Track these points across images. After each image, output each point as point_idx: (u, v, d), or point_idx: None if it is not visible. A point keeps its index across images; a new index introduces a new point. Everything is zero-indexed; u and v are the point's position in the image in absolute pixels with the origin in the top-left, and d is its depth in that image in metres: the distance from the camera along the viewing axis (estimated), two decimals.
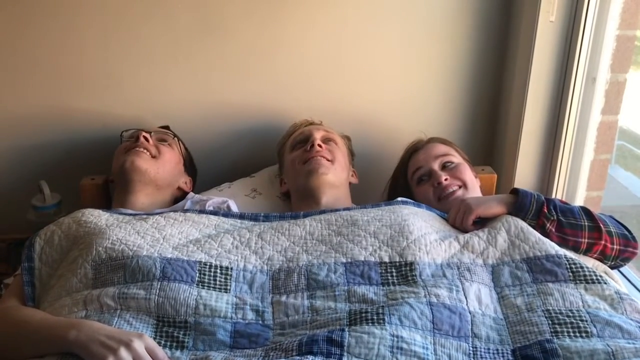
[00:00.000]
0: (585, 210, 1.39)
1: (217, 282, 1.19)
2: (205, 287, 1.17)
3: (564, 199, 1.77)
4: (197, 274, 1.19)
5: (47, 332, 1.06)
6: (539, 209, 1.35)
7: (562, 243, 1.33)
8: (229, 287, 1.19)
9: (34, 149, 1.79)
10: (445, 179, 1.56)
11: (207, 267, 1.21)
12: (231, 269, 1.23)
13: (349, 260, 1.24)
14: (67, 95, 1.76)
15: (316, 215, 1.40)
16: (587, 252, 1.37)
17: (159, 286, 1.14)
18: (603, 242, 1.35)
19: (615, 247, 1.37)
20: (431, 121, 1.92)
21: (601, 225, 1.36)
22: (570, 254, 1.26)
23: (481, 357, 1.05)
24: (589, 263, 1.32)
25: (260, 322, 1.14)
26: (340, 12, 1.79)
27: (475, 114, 1.96)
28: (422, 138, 1.71)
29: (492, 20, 1.84)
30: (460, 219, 1.39)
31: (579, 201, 1.82)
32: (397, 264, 1.24)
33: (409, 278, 1.20)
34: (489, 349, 1.07)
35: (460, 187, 1.56)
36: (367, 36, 1.82)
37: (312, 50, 1.82)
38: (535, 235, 1.30)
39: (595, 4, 1.61)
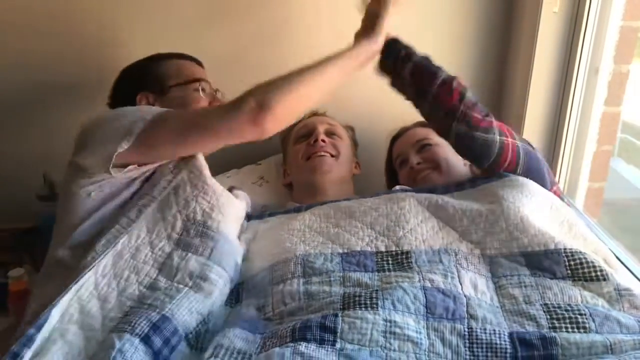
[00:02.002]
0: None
1: (233, 299, 1.21)
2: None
3: (565, 191, 1.78)
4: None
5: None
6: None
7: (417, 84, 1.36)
8: (240, 299, 1.21)
9: (39, 138, 1.80)
10: (418, 163, 1.55)
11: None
12: (243, 282, 1.25)
13: (346, 250, 1.25)
14: (71, 84, 1.76)
15: (315, 210, 1.39)
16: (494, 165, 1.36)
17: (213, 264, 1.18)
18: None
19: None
20: None
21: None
22: (570, 246, 1.22)
23: (477, 338, 1.03)
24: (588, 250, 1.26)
25: (262, 316, 1.14)
26: (344, 3, 1.79)
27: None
28: (406, 125, 1.70)
29: (495, 11, 1.84)
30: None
31: (581, 192, 1.82)
32: (394, 252, 1.23)
33: (405, 265, 1.20)
34: (485, 329, 1.05)
35: (432, 169, 1.54)
36: None
37: (317, 40, 1.82)
38: (535, 227, 1.25)
39: None
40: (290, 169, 1.67)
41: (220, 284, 1.15)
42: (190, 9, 1.74)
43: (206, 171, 1.28)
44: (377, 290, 1.10)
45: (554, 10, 1.66)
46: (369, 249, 1.25)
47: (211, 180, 1.28)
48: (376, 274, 1.19)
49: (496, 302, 1.13)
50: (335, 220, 1.33)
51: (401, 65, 1.37)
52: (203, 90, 1.44)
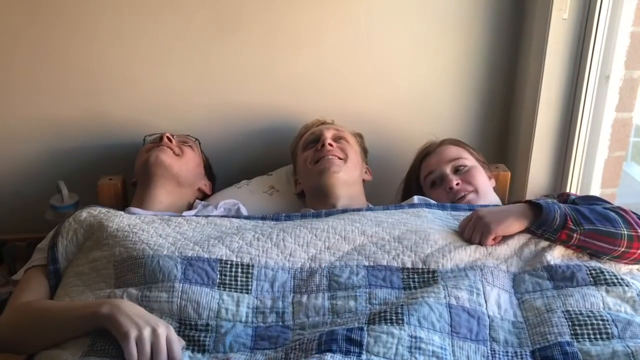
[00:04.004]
0: (620, 215, 1.30)
1: (239, 283, 1.20)
2: (227, 289, 1.18)
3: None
4: (218, 275, 1.19)
5: (77, 311, 1.11)
6: (563, 223, 1.25)
7: (592, 248, 1.26)
8: (250, 287, 1.20)
9: (52, 150, 1.82)
10: (457, 184, 1.56)
11: (228, 266, 1.21)
12: (252, 266, 1.23)
13: (372, 263, 1.24)
14: (85, 97, 1.78)
15: (339, 214, 1.40)
16: (617, 259, 1.28)
17: (180, 288, 1.15)
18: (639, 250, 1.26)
19: None
20: (444, 119, 1.93)
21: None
22: (588, 263, 1.25)
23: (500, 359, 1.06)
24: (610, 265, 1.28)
25: (281, 323, 1.14)
26: (353, 13, 1.80)
27: (488, 112, 1.96)
28: (434, 140, 1.71)
29: (505, 18, 1.84)
30: (478, 238, 1.29)
31: None
32: (420, 270, 1.23)
33: (431, 282, 1.20)
34: (507, 352, 1.07)
35: (471, 192, 1.56)
36: (379, 36, 1.83)
37: (325, 51, 1.83)
38: (562, 249, 1.28)
39: (609, 0, 1.61)
40: (300, 176, 1.67)
41: (165, 296, 1.15)
42: (201, 24, 1.76)
43: (105, 222, 1.34)
44: (402, 305, 1.09)
45: (564, 17, 1.65)
46: (395, 263, 1.24)
47: (114, 223, 1.33)
48: (402, 291, 1.19)
49: (520, 318, 1.15)
50: (361, 226, 1.32)
51: (566, 237, 1.26)
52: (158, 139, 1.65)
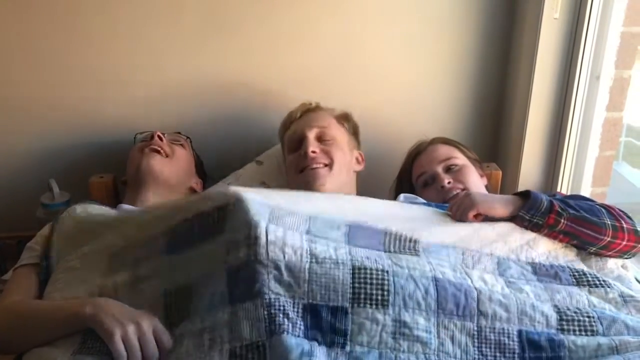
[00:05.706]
0: (605, 208, 1.34)
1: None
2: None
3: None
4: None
5: (62, 312, 1.11)
6: (550, 207, 1.29)
7: (579, 236, 1.29)
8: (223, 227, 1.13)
9: (43, 147, 1.81)
10: (448, 182, 1.56)
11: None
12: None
13: (355, 223, 1.20)
14: (76, 95, 1.78)
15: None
16: (603, 249, 1.30)
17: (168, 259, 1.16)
18: (625, 241, 1.30)
19: (630, 243, 1.31)
20: (436, 118, 1.94)
21: (624, 225, 1.30)
22: (572, 264, 1.27)
23: (485, 338, 1.05)
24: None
25: (253, 257, 1.05)
26: (346, 12, 1.80)
27: (480, 111, 1.96)
28: (424, 140, 1.71)
29: (496, 18, 1.84)
30: (461, 212, 1.33)
31: None
32: (402, 237, 1.19)
33: (412, 251, 1.17)
34: (494, 327, 1.06)
35: (462, 190, 1.56)
36: (372, 35, 1.83)
37: (319, 49, 1.83)
38: (547, 244, 1.29)
39: (600, 0, 1.62)
40: (288, 175, 1.64)
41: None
42: (193, 19, 1.76)
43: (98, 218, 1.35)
44: (387, 270, 1.07)
45: (555, 17, 1.66)
46: (380, 226, 1.21)
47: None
48: (383, 252, 1.14)
49: (507, 291, 1.14)
50: (349, 201, 1.35)
51: (553, 221, 1.29)
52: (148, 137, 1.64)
